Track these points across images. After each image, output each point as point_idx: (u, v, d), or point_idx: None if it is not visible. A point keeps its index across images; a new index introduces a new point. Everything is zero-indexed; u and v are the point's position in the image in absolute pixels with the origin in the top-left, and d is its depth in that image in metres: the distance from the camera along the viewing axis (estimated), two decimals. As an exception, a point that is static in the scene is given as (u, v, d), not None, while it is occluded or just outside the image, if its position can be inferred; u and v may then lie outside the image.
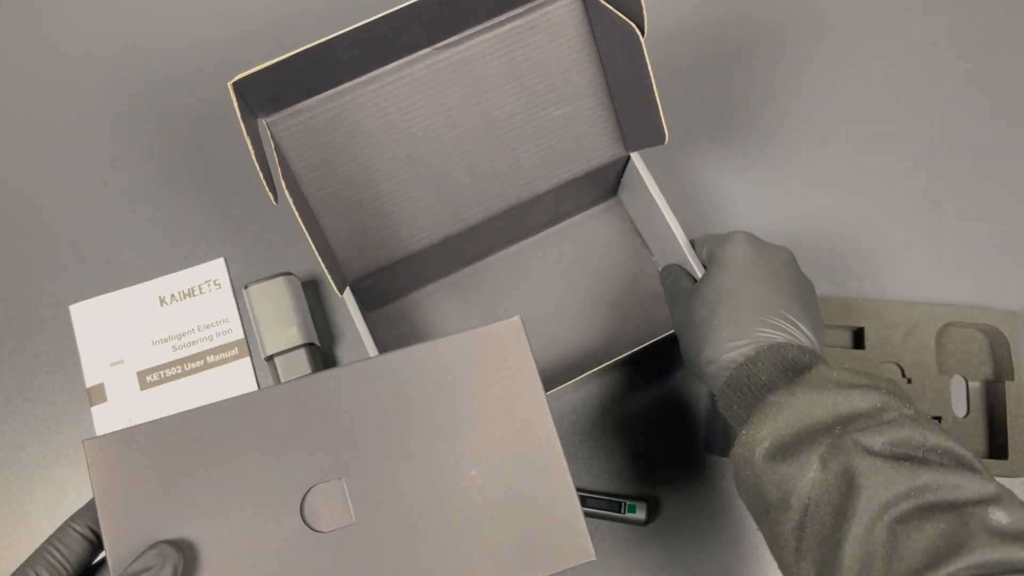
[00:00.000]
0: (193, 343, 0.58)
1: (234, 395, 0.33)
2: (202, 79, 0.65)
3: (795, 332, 0.42)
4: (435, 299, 0.59)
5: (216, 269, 0.60)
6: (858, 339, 0.58)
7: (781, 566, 0.38)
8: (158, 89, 0.65)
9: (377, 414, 0.34)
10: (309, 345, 0.55)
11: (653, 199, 0.53)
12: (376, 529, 0.33)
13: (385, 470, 0.33)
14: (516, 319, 0.36)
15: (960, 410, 0.58)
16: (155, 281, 0.59)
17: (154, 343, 0.58)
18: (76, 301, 0.59)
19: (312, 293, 0.59)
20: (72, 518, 0.33)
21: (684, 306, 0.46)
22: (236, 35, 0.66)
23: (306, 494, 0.33)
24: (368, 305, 0.57)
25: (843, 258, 0.61)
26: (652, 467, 0.56)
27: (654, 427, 0.57)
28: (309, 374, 0.34)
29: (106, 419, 0.57)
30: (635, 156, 0.54)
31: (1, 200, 0.62)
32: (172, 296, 0.59)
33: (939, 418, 0.56)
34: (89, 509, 0.33)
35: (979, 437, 0.58)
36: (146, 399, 0.57)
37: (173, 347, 0.58)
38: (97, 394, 0.57)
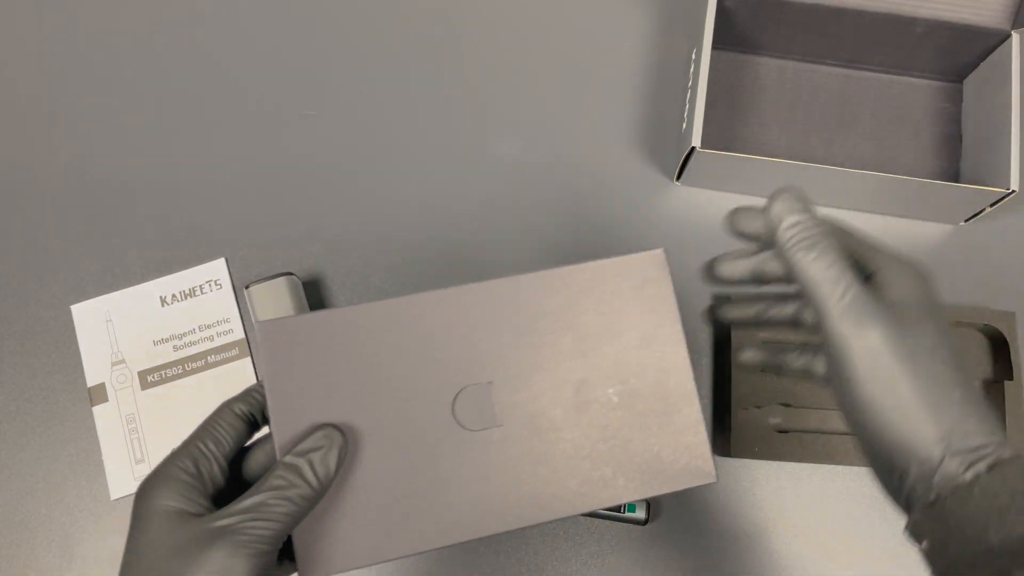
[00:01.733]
0: (194, 343, 0.58)
1: (399, 297, 0.35)
2: (202, 76, 0.65)
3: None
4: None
5: (217, 269, 0.60)
6: (858, 339, 0.58)
7: None
8: (158, 85, 0.65)
9: (524, 326, 0.36)
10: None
11: None
12: (518, 433, 0.35)
13: (529, 379, 0.36)
14: (659, 251, 0.37)
15: (959, 410, 0.58)
16: (156, 281, 0.60)
17: (155, 343, 0.58)
18: (77, 301, 0.59)
19: (313, 293, 0.59)
20: (230, 401, 0.35)
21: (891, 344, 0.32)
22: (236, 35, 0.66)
23: (458, 394, 0.35)
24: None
25: (843, 258, 0.61)
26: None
27: (654, 427, 0.57)
28: (467, 284, 0.36)
29: (107, 419, 0.57)
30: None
31: (2, 200, 0.62)
32: (173, 296, 0.59)
33: (938, 418, 0.56)
34: (246, 395, 0.35)
35: (978, 437, 0.58)
36: (147, 399, 0.57)
37: (174, 347, 0.58)
38: (98, 394, 0.57)
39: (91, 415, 0.57)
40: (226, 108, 0.64)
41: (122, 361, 0.58)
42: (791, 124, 0.63)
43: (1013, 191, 0.54)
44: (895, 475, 0.31)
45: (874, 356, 0.31)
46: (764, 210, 0.35)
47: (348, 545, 0.33)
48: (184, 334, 0.58)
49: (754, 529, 0.55)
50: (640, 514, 0.54)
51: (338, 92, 0.65)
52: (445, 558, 0.54)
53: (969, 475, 0.29)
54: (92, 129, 0.64)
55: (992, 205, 0.57)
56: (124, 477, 0.56)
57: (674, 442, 0.37)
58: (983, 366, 0.59)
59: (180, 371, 0.58)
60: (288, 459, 0.32)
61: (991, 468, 0.29)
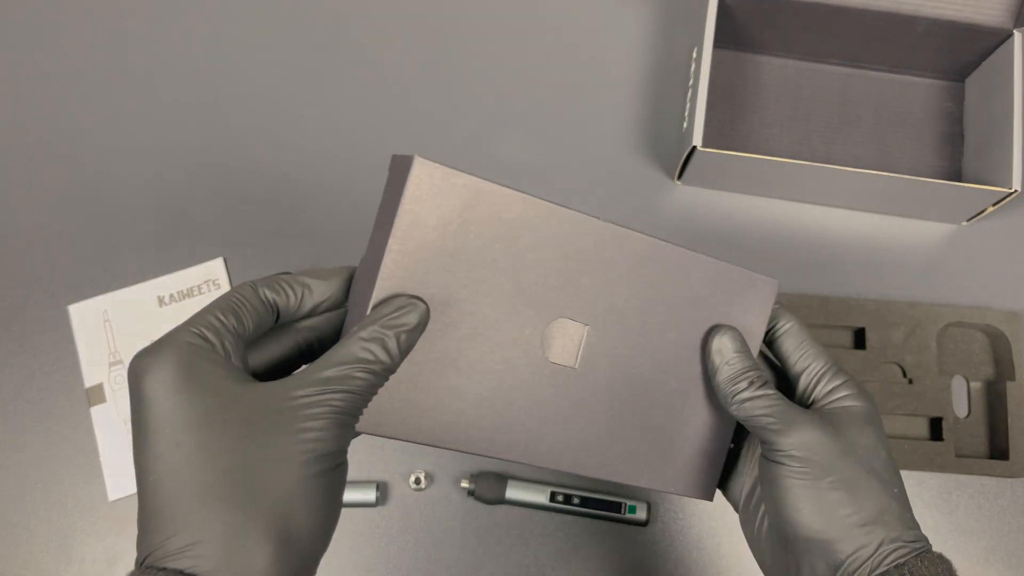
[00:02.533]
0: (192, 343, 0.58)
1: (559, 206, 0.34)
2: (201, 75, 0.65)
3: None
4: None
5: (215, 269, 0.60)
6: (859, 339, 0.58)
7: None
8: (156, 84, 0.64)
9: (640, 288, 0.36)
10: (309, 345, 0.55)
11: None
12: (587, 383, 0.36)
13: (620, 339, 0.36)
14: (775, 281, 0.39)
15: (961, 410, 0.58)
16: (154, 281, 0.59)
17: (153, 343, 0.58)
18: (75, 301, 0.59)
19: (312, 293, 0.59)
20: (254, 281, 0.32)
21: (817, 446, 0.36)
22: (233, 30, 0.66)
23: (554, 320, 0.34)
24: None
25: (844, 258, 0.61)
26: (652, 468, 0.56)
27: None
28: (615, 224, 0.35)
29: (105, 420, 0.56)
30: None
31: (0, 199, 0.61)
32: (171, 296, 0.59)
33: (940, 419, 0.56)
34: (275, 280, 0.33)
35: (980, 438, 0.57)
36: (145, 399, 0.57)
37: (172, 347, 0.58)
38: (96, 394, 0.57)
39: (89, 415, 0.57)
40: (225, 106, 0.64)
41: (120, 361, 0.58)
42: (792, 123, 0.63)
43: (1015, 191, 0.54)
44: (818, 567, 0.34)
45: (807, 451, 0.35)
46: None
47: (392, 413, 0.32)
48: (182, 334, 0.58)
49: (755, 530, 0.55)
50: (641, 515, 0.54)
51: (338, 91, 0.64)
52: (445, 558, 0.54)
53: (900, 560, 0.33)
54: (90, 128, 0.63)
55: (994, 205, 0.57)
56: (122, 478, 0.56)
57: (694, 449, 0.39)
58: (985, 366, 0.58)
59: (178, 371, 0.57)
60: (375, 330, 0.30)
61: (919, 556, 0.33)
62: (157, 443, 0.28)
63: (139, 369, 0.29)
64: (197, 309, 0.57)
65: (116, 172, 0.62)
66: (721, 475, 0.41)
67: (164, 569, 0.26)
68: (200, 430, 0.27)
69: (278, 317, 0.33)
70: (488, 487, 0.54)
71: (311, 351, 0.35)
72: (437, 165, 0.32)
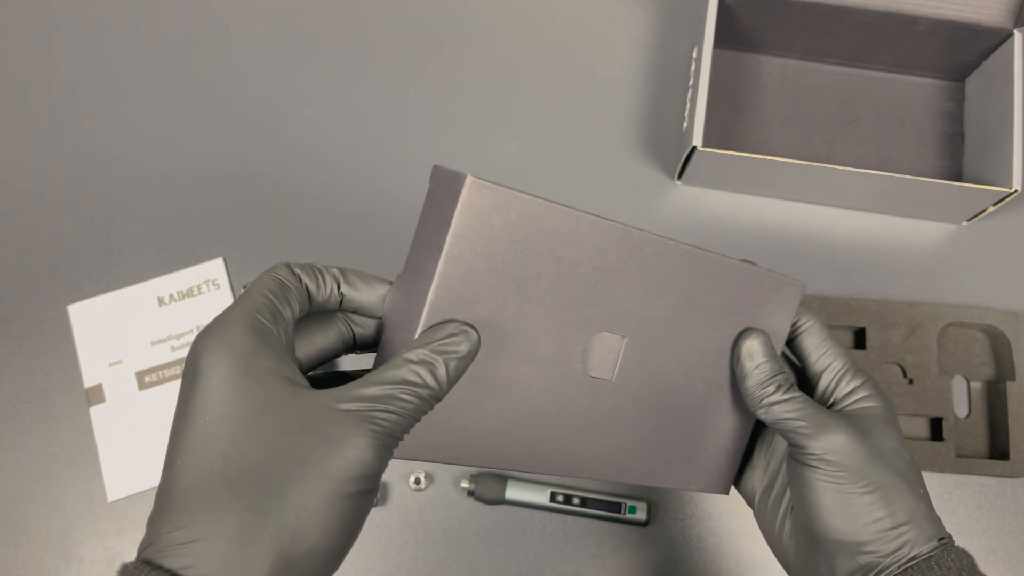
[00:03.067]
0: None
1: (601, 218, 0.33)
2: (201, 75, 0.65)
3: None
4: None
5: (215, 269, 0.60)
6: (859, 339, 0.58)
7: None
8: (156, 84, 0.64)
9: (673, 296, 0.36)
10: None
11: None
12: (621, 393, 0.36)
13: (654, 349, 0.36)
14: (802, 284, 0.40)
15: (961, 411, 0.58)
16: (154, 281, 0.59)
17: (153, 343, 0.58)
18: (75, 301, 0.59)
19: (311, 293, 0.59)
20: (290, 264, 0.31)
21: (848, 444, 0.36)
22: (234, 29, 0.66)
23: (595, 335, 0.34)
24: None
25: (845, 258, 0.61)
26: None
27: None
28: (650, 232, 0.34)
29: (105, 420, 0.56)
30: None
31: (-1, 200, 0.61)
32: (171, 296, 0.59)
33: (940, 419, 0.56)
34: (310, 267, 0.32)
35: (980, 438, 0.57)
36: (145, 399, 0.57)
37: (172, 347, 0.58)
38: (96, 395, 0.57)
39: (88, 416, 0.57)
40: (225, 107, 0.64)
41: (120, 361, 0.58)
42: (793, 123, 0.63)
43: (1016, 191, 0.54)
44: (846, 568, 0.35)
45: (839, 456, 0.35)
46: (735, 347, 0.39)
47: (436, 437, 0.32)
48: (182, 334, 0.58)
49: (756, 530, 0.55)
50: (641, 515, 0.54)
51: (338, 91, 0.64)
52: (445, 558, 0.54)
53: (928, 553, 0.34)
54: (89, 128, 0.63)
55: (995, 205, 0.57)
56: (121, 478, 0.55)
57: (715, 448, 0.40)
58: (985, 366, 0.58)
59: (178, 372, 0.57)
60: (425, 354, 0.29)
61: (945, 550, 0.34)
62: (194, 428, 0.27)
63: (200, 348, 0.28)
64: (197, 309, 0.57)
65: (116, 172, 0.62)
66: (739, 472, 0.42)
67: (159, 568, 0.24)
68: (239, 424, 0.26)
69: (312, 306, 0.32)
70: (488, 487, 0.54)
71: (354, 345, 0.34)
72: (490, 185, 0.30)
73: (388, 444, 0.28)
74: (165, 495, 0.26)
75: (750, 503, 0.42)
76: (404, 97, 0.64)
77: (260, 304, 0.29)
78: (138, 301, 0.59)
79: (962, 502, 0.56)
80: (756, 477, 0.42)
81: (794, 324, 0.41)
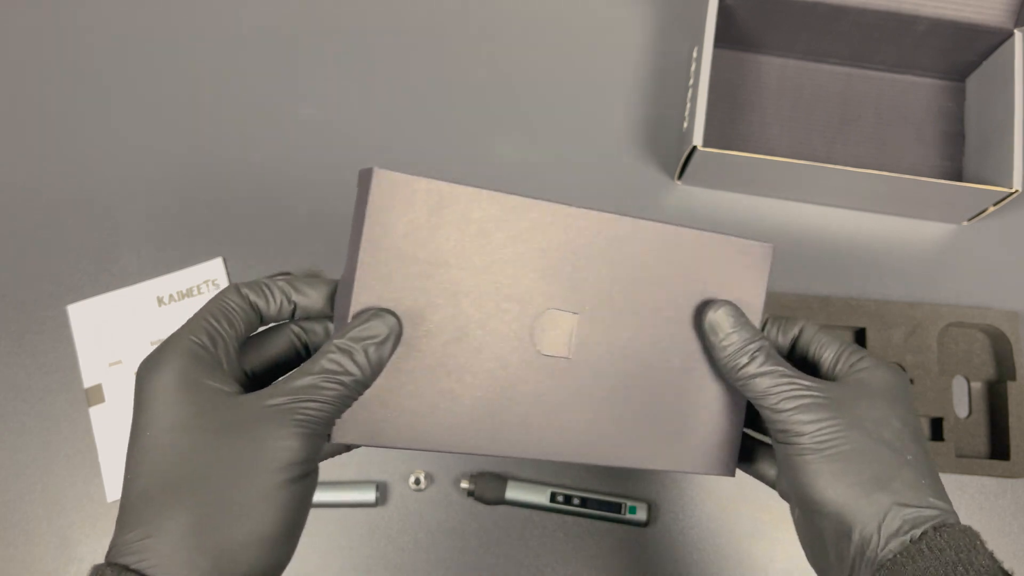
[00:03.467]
0: (192, 343, 0.58)
1: (523, 198, 0.34)
2: (200, 75, 0.65)
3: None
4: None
5: (214, 269, 0.60)
6: (859, 339, 0.58)
7: None
8: (155, 84, 0.64)
9: (626, 269, 0.35)
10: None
11: None
12: (582, 371, 0.35)
13: (613, 324, 0.35)
14: (769, 245, 0.38)
15: (962, 411, 0.58)
16: (153, 281, 0.59)
17: (152, 343, 0.58)
18: (74, 301, 0.59)
19: (311, 293, 0.59)
20: (238, 284, 0.33)
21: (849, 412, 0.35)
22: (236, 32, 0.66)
23: (542, 313, 0.34)
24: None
25: (845, 258, 0.61)
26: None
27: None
28: (589, 208, 0.35)
29: (104, 420, 0.56)
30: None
31: (-1, 200, 0.61)
32: (170, 296, 0.59)
33: (941, 419, 0.56)
34: (257, 284, 0.33)
35: (981, 438, 0.57)
36: (144, 400, 0.57)
37: (171, 347, 0.58)
38: (95, 395, 0.57)
39: (88, 416, 0.57)
40: (224, 107, 0.64)
41: (119, 362, 0.58)
42: (793, 123, 0.63)
43: (1016, 190, 0.54)
44: (840, 542, 0.33)
45: (809, 427, 0.34)
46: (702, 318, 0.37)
47: (385, 422, 0.33)
48: (182, 334, 0.58)
49: (756, 531, 0.55)
50: (641, 515, 0.54)
51: (338, 91, 0.64)
52: (445, 558, 0.54)
53: (917, 533, 0.32)
54: (89, 128, 0.63)
55: (995, 204, 0.56)
56: (121, 478, 0.55)
57: (708, 426, 0.38)
58: (986, 366, 0.58)
59: (178, 372, 0.57)
60: (343, 343, 0.31)
61: (937, 529, 0.32)
62: (141, 443, 0.30)
63: (142, 373, 0.31)
64: (196, 309, 0.58)
65: (115, 172, 0.62)
66: (750, 454, 0.40)
67: (114, 564, 0.27)
68: (178, 432, 0.29)
69: (263, 320, 0.34)
70: (488, 487, 0.54)
71: (306, 352, 0.36)
72: (397, 173, 0.32)
73: (315, 431, 0.30)
74: (122, 506, 0.29)
75: (772, 485, 0.40)
76: (404, 97, 0.64)
77: (198, 327, 0.32)
78: (138, 301, 0.59)
79: (962, 502, 0.56)
80: (770, 456, 0.40)
81: (791, 334, 0.39)
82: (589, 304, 0.35)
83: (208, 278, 0.59)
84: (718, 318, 0.36)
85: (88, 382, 0.57)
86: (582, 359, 0.35)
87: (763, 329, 0.39)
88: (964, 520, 0.54)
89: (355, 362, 0.31)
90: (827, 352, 0.38)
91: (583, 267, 0.35)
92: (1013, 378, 0.56)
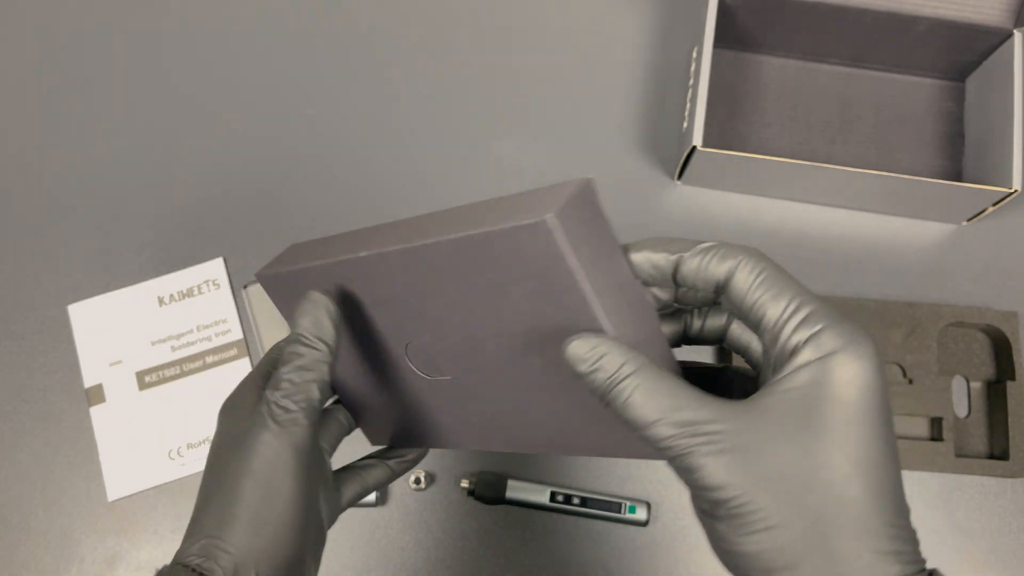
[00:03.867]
0: (192, 343, 0.58)
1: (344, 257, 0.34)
2: (200, 75, 0.65)
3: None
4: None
5: (215, 269, 0.60)
6: (859, 339, 0.58)
7: None
8: (155, 84, 0.64)
9: (440, 293, 0.32)
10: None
11: None
12: (478, 387, 0.35)
13: (464, 348, 0.34)
14: (551, 217, 0.25)
15: (961, 411, 0.58)
16: (154, 281, 0.59)
17: (153, 343, 0.58)
18: (75, 301, 0.59)
19: (311, 293, 0.59)
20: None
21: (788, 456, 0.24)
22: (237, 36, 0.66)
23: (406, 347, 0.35)
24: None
25: (845, 258, 0.61)
26: (653, 467, 0.56)
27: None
28: (410, 243, 0.31)
29: (105, 420, 0.56)
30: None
31: (-1, 200, 0.61)
32: (171, 296, 0.59)
33: (940, 419, 0.56)
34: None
35: (980, 438, 0.57)
36: (145, 399, 0.57)
37: (172, 347, 0.58)
38: (96, 394, 0.57)
39: (88, 416, 0.57)
40: (224, 107, 0.64)
41: (120, 361, 0.58)
42: (793, 123, 0.63)
43: (1016, 191, 0.54)
44: None
45: (730, 496, 0.24)
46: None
47: (387, 429, 0.40)
48: (182, 334, 0.58)
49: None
50: (641, 515, 0.54)
51: (338, 91, 0.64)
52: (445, 558, 0.54)
53: None
54: (89, 128, 0.63)
55: (995, 205, 0.57)
56: (121, 478, 0.55)
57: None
58: (985, 366, 0.58)
59: (178, 371, 0.57)
60: (291, 336, 0.34)
61: None
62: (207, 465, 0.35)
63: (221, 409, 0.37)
64: (197, 309, 0.58)
65: (116, 172, 0.62)
66: None
67: (177, 564, 0.31)
68: (213, 456, 0.35)
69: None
70: (488, 487, 0.54)
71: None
72: (276, 274, 0.37)
73: (291, 420, 0.33)
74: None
75: None
76: (404, 97, 0.64)
77: (264, 369, 0.37)
78: (138, 301, 0.59)
79: (962, 502, 0.56)
80: None
81: (712, 281, 0.26)
82: (435, 331, 0.33)
83: (208, 278, 0.59)
84: (573, 354, 0.26)
85: (88, 382, 0.57)
86: (461, 377, 0.34)
87: (675, 272, 0.27)
88: (963, 520, 0.53)
89: (307, 345, 0.33)
90: (766, 316, 0.25)
91: (417, 299, 0.33)
92: (1013, 378, 0.56)
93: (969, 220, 0.61)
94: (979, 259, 0.61)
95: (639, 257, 0.27)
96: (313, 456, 0.34)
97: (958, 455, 0.56)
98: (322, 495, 0.36)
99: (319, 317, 0.33)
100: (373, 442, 0.41)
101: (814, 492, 0.23)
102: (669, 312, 0.30)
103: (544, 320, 0.28)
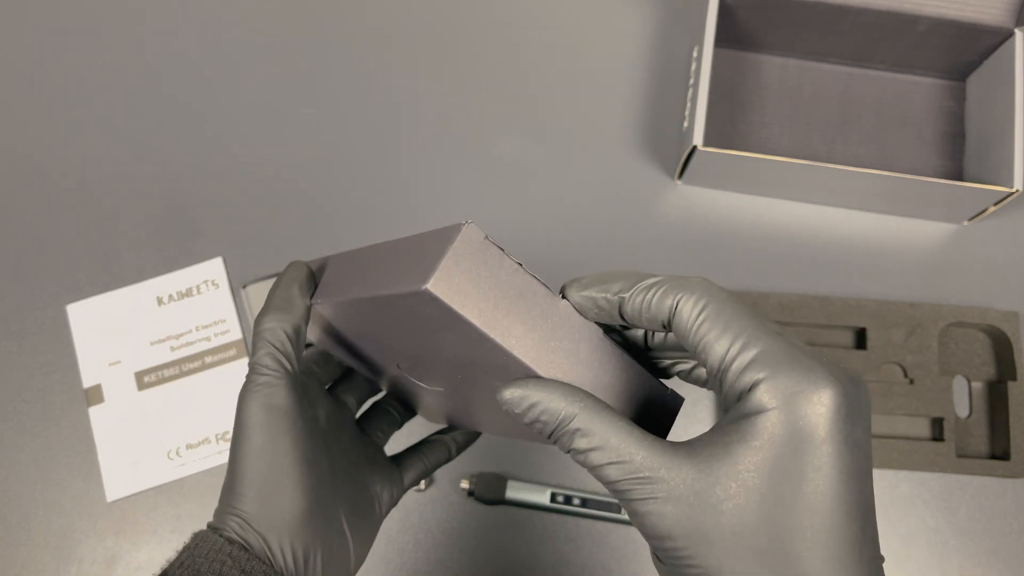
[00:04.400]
0: (191, 343, 0.58)
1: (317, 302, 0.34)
2: (199, 75, 0.64)
3: None
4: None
5: (214, 269, 0.60)
6: (860, 339, 0.58)
7: None
8: (154, 84, 0.64)
9: (389, 330, 0.32)
10: (307, 345, 0.54)
11: None
12: (455, 392, 0.35)
13: (434, 372, 0.34)
14: (424, 284, 0.24)
15: (962, 411, 0.58)
16: (153, 281, 0.59)
17: (152, 343, 0.58)
18: (74, 301, 0.59)
19: (311, 293, 0.59)
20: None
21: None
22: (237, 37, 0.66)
23: (396, 372, 0.37)
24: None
25: (845, 258, 0.61)
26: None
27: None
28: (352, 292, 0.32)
29: (104, 420, 0.56)
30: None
31: (-2, 199, 0.61)
32: (170, 296, 0.59)
33: (941, 419, 0.56)
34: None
35: (981, 438, 0.57)
36: (144, 400, 0.57)
37: (171, 347, 0.58)
38: (95, 395, 0.57)
39: (87, 416, 0.57)
40: (223, 106, 0.64)
41: (118, 362, 0.57)
42: (793, 123, 0.63)
43: (1017, 190, 0.54)
44: None
45: (675, 550, 0.23)
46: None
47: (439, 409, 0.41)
48: (181, 334, 0.58)
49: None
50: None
51: (337, 91, 0.64)
52: (445, 558, 0.54)
53: None
54: (88, 128, 0.63)
55: (995, 204, 0.56)
56: (120, 478, 0.55)
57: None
58: (986, 366, 0.58)
59: (177, 372, 0.57)
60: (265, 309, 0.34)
61: None
62: None
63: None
64: (196, 309, 0.59)
65: (115, 172, 0.62)
66: None
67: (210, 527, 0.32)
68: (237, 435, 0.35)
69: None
70: (488, 487, 0.54)
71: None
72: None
73: (267, 383, 0.32)
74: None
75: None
76: (404, 96, 0.64)
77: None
78: (137, 301, 0.59)
79: (963, 502, 0.56)
80: None
81: (659, 321, 0.25)
82: (408, 357, 0.34)
83: (208, 278, 0.59)
84: (508, 400, 0.25)
85: (88, 382, 0.57)
86: (448, 386, 0.35)
87: (620, 312, 0.25)
88: (964, 520, 0.53)
89: (281, 310, 0.33)
90: (708, 359, 0.24)
91: (383, 335, 0.33)
92: (1014, 378, 0.56)
93: (970, 220, 0.61)
94: (980, 259, 0.61)
95: (579, 297, 0.26)
96: (302, 408, 0.33)
97: (959, 455, 0.56)
98: (368, 471, 0.37)
99: (292, 291, 0.34)
100: (429, 419, 0.44)
101: (775, 556, 0.22)
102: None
103: (483, 358, 0.27)
